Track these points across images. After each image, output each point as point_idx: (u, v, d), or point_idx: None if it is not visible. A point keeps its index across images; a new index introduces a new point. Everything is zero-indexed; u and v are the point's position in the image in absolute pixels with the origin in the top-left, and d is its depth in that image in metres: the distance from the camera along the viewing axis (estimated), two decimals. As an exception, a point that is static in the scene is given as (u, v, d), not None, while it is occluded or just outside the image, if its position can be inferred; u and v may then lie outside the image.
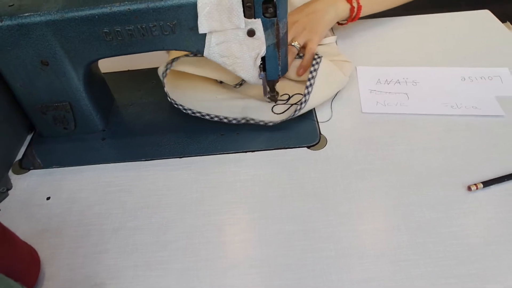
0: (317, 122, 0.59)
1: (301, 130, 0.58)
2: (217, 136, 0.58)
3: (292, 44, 0.64)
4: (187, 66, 0.61)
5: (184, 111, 0.59)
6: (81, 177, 0.56)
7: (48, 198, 0.53)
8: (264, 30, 0.50)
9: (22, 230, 0.50)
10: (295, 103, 0.61)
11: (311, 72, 0.59)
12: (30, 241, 0.48)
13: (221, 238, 0.47)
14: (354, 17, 0.70)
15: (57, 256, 0.47)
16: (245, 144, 0.57)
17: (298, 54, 0.65)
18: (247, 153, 0.56)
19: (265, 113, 0.60)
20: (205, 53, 0.52)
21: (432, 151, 0.54)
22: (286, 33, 0.52)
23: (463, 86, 0.63)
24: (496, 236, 0.44)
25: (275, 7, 0.48)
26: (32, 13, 0.48)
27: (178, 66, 0.60)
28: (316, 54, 0.62)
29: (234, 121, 0.58)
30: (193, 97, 0.62)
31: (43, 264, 0.46)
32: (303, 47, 0.65)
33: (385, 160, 0.53)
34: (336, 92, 0.62)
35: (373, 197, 0.49)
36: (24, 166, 0.58)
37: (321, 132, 0.57)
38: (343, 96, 0.63)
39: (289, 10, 0.71)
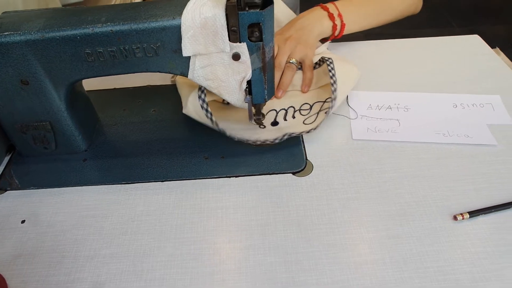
0: (304, 147, 0.58)
1: (287, 155, 0.57)
2: (201, 159, 0.57)
3: (290, 61, 0.65)
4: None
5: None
6: (58, 199, 0.54)
7: (23, 221, 0.51)
8: (249, 54, 0.49)
9: (-7, 255, 0.48)
10: (320, 110, 0.63)
11: (330, 71, 0.61)
12: (0, 268, 0.46)
13: (200, 269, 0.45)
14: (337, 35, 0.71)
15: (27, 285, 0.45)
16: (230, 168, 0.55)
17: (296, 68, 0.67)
18: (231, 178, 0.54)
19: (300, 126, 0.60)
20: (189, 76, 0.51)
21: (421, 180, 0.53)
22: (273, 57, 0.51)
23: (455, 113, 0.62)
24: (483, 272, 0.43)
25: (260, 31, 0.47)
26: (12, 32, 0.47)
27: (208, 97, 0.56)
28: (324, 58, 0.64)
29: (277, 141, 0.56)
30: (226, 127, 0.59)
31: (11, 294, 0.44)
32: (300, 63, 0.67)
33: (372, 188, 0.52)
34: (353, 86, 0.65)
35: (358, 228, 0.48)
36: (0, 187, 0.56)
37: (308, 158, 0.56)
38: (333, 121, 0.62)
39: (276, 28, 0.72)
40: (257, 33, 0.47)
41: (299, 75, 0.67)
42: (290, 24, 0.70)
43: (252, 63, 0.50)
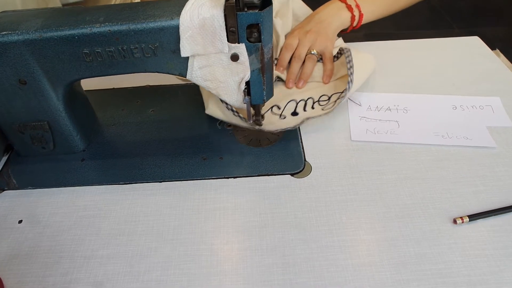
0: (303, 148, 0.58)
1: (286, 156, 0.56)
2: (199, 160, 0.57)
3: (312, 52, 0.68)
4: None
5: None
6: (56, 199, 0.54)
7: (20, 221, 0.51)
8: (248, 55, 0.48)
9: (-10, 255, 0.48)
10: (338, 98, 0.64)
11: (347, 57, 0.64)
12: (-3, 268, 0.46)
13: (197, 270, 0.45)
14: (355, 25, 0.72)
15: (24, 285, 0.45)
16: (228, 169, 0.55)
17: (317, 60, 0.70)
18: (229, 179, 0.54)
19: (318, 113, 0.62)
20: (188, 76, 0.51)
21: (420, 182, 0.53)
22: (271, 58, 0.51)
23: (454, 114, 0.62)
24: (481, 275, 0.43)
25: (259, 32, 0.47)
26: (10, 32, 0.47)
27: None
28: (342, 48, 0.68)
29: (298, 126, 0.59)
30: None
31: (8, 294, 0.44)
32: (320, 55, 0.69)
33: (371, 190, 0.52)
34: (370, 73, 0.68)
35: (356, 229, 0.47)
36: (-2, 187, 0.56)
37: (306, 159, 0.56)
38: (332, 122, 0.62)
39: (293, 23, 0.74)
40: (255, 34, 0.47)
41: (317, 67, 0.69)
42: (309, 18, 0.71)
43: (251, 64, 0.49)
